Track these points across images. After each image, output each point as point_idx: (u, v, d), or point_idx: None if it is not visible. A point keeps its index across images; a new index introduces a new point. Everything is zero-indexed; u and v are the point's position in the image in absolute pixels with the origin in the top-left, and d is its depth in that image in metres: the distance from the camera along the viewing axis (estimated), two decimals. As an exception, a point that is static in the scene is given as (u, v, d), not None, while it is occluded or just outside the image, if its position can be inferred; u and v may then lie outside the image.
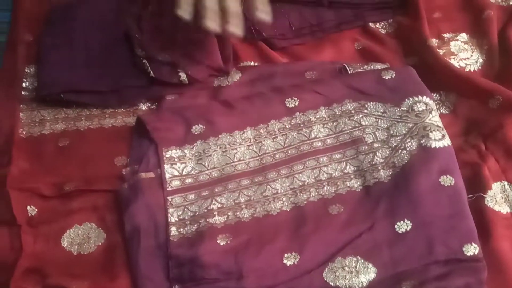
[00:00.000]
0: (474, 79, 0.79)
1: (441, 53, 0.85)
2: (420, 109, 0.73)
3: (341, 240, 0.64)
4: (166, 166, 0.71)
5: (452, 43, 0.87)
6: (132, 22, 0.87)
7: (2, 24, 0.95)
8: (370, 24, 0.91)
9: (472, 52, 0.86)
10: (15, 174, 0.74)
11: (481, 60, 0.85)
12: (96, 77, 0.83)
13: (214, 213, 0.67)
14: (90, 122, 0.82)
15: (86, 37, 0.88)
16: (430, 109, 0.73)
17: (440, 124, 0.72)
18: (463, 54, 0.86)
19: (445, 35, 0.89)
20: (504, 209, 0.67)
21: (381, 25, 0.92)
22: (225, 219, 0.67)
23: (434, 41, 0.87)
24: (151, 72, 0.80)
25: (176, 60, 0.80)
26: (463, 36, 0.88)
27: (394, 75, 0.77)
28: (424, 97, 0.74)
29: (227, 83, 0.83)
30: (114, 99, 0.83)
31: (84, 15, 0.91)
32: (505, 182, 0.69)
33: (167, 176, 0.71)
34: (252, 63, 0.86)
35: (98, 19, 0.91)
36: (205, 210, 0.67)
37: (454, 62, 0.84)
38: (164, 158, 0.72)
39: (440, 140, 0.69)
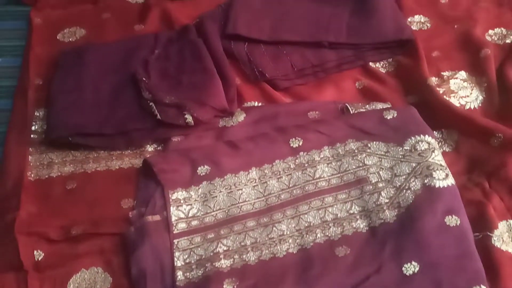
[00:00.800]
0: (474, 118, 0.81)
1: (441, 92, 0.87)
2: (423, 148, 0.74)
3: (349, 283, 0.63)
4: (172, 209, 0.72)
5: (452, 81, 0.89)
6: (140, 66, 0.90)
7: (13, 68, 0.98)
8: (370, 63, 0.93)
9: (472, 90, 0.87)
10: (23, 218, 0.74)
11: (481, 98, 0.87)
12: (104, 120, 0.85)
13: (220, 256, 0.67)
14: (98, 164, 0.83)
15: (95, 81, 0.91)
16: (432, 148, 0.74)
17: (443, 163, 0.73)
18: (463, 92, 0.87)
19: (444, 74, 0.91)
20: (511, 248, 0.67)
21: (381, 64, 0.94)
22: (231, 262, 0.67)
23: (434, 80, 0.89)
24: (158, 114, 0.82)
25: (182, 102, 0.82)
26: (462, 74, 0.90)
27: (396, 114, 0.79)
28: (427, 136, 0.75)
29: (232, 123, 0.85)
30: (122, 142, 0.84)
31: (93, 59, 0.94)
32: (511, 221, 0.69)
33: (173, 218, 0.71)
34: (256, 104, 0.89)
35: (106, 63, 0.94)
36: (211, 254, 0.67)
37: (454, 100, 0.86)
38: (170, 200, 0.73)
39: (444, 179, 0.70)
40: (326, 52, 0.93)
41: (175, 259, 0.67)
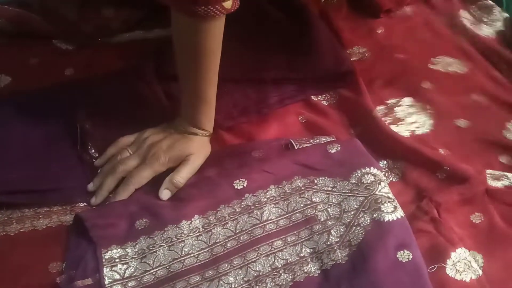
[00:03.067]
0: (421, 150, 0.79)
1: (388, 121, 0.86)
2: (369, 181, 0.72)
3: (304, 336, 0.58)
4: (106, 270, 0.65)
5: (397, 108, 0.89)
6: (82, 114, 0.83)
7: None
8: (313, 97, 0.92)
9: (419, 115, 0.87)
10: None
11: (430, 121, 0.86)
12: (35, 176, 0.77)
13: (162, 320, 0.60)
14: (22, 225, 0.74)
15: (24, 131, 0.83)
16: (379, 180, 0.72)
17: (391, 195, 0.71)
18: (410, 118, 0.87)
19: (388, 102, 0.91)
20: (466, 277, 0.65)
21: (323, 97, 0.93)
22: (174, 326, 0.60)
23: (380, 109, 0.89)
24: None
25: None
26: (406, 100, 0.90)
27: (340, 148, 0.77)
28: (372, 168, 0.74)
29: (172, 169, 0.80)
30: (54, 198, 0.76)
31: (22, 108, 0.87)
32: (463, 249, 0.67)
33: (107, 281, 0.64)
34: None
35: (38, 112, 0.87)
36: (151, 319, 0.61)
37: (403, 127, 0.85)
38: (104, 260, 0.66)
39: (392, 212, 0.68)
40: (268, 88, 0.91)
41: (110, 328, 0.60)
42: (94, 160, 0.79)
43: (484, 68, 0.99)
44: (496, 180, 0.77)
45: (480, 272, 0.65)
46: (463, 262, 0.66)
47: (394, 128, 0.85)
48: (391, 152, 0.81)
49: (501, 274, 0.67)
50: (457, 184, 0.74)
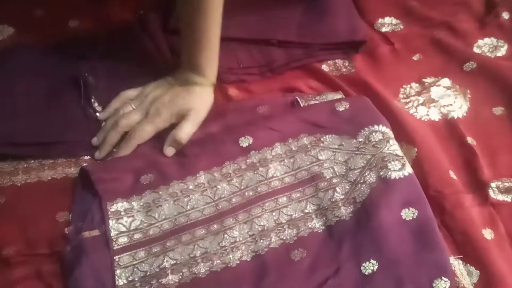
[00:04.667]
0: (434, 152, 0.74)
1: (421, 101, 0.81)
2: (377, 139, 0.71)
3: (307, 288, 0.59)
4: (112, 222, 0.65)
5: (433, 88, 0.83)
6: (86, 67, 0.82)
7: None
8: (323, 67, 0.87)
9: (456, 98, 0.82)
10: None
11: (465, 107, 0.82)
12: (40, 129, 0.77)
13: (167, 271, 0.61)
14: (28, 175, 0.74)
15: (28, 84, 0.82)
16: (387, 138, 0.71)
17: (399, 152, 0.70)
18: (445, 101, 0.82)
19: (425, 80, 0.85)
20: None
21: (335, 67, 0.88)
22: (180, 277, 0.61)
23: (414, 86, 0.84)
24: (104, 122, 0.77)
25: None
26: (446, 81, 0.85)
27: (348, 105, 0.75)
28: (380, 126, 0.72)
29: (176, 125, 0.79)
30: (58, 151, 0.76)
31: (26, 60, 0.85)
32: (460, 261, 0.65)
33: (113, 233, 0.64)
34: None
35: (42, 64, 0.85)
36: (157, 269, 0.62)
37: (435, 110, 0.80)
38: (109, 212, 0.66)
39: (400, 170, 0.67)
40: (274, 51, 0.87)
41: (117, 277, 0.61)
42: (97, 114, 0.79)
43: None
44: (506, 193, 0.71)
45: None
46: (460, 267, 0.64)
47: (422, 109, 0.80)
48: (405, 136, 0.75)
49: None
50: (468, 192, 0.71)
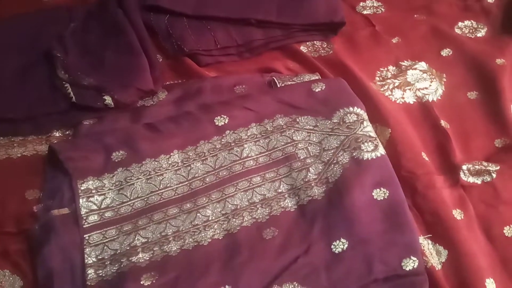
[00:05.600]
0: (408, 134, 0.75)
1: (397, 83, 0.82)
2: (351, 120, 0.71)
3: (277, 267, 0.59)
4: (82, 200, 0.64)
5: (410, 71, 0.84)
6: (55, 41, 0.79)
7: None
8: (302, 48, 0.87)
9: (431, 82, 0.83)
10: None
11: (440, 91, 0.82)
12: (9, 104, 0.75)
13: (138, 250, 0.61)
14: (-3, 153, 0.73)
15: None
16: (361, 119, 0.71)
17: (373, 133, 0.70)
18: (421, 84, 0.82)
19: (403, 63, 0.86)
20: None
21: (312, 48, 0.88)
22: (151, 255, 0.61)
23: (391, 69, 0.84)
24: (73, 97, 0.74)
25: (103, 84, 0.74)
26: (423, 65, 0.85)
27: (324, 87, 0.75)
28: (355, 107, 0.72)
29: (151, 102, 0.78)
30: (28, 127, 0.75)
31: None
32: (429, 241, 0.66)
33: (83, 211, 0.63)
34: (179, 81, 0.82)
35: (12, 40, 0.83)
36: (128, 248, 0.61)
37: (410, 93, 0.81)
38: (80, 191, 0.65)
39: (372, 151, 0.68)
40: (253, 31, 0.86)
41: (86, 255, 0.60)
42: (64, 84, 0.75)
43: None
44: (476, 175, 0.73)
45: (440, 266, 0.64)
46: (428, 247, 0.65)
47: (398, 92, 0.81)
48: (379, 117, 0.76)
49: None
50: (441, 174, 0.72)
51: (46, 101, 0.76)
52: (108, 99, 0.74)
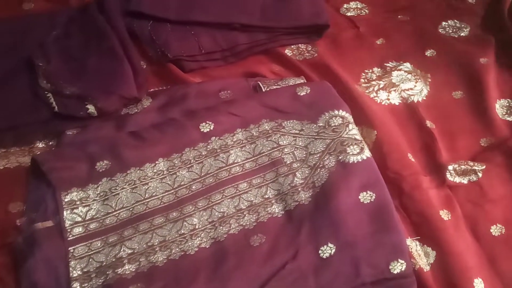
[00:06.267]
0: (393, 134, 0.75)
1: (382, 85, 0.82)
2: (337, 123, 0.71)
3: (265, 273, 0.59)
4: (66, 212, 0.63)
5: (394, 73, 0.84)
6: (37, 49, 0.78)
7: None
8: (286, 51, 0.86)
9: (416, 82, 0.83)
10: None
11: (425, 91, 0.83)
12: None
13: (124, 261, 0.60)
14: (-21, 165, 0.71)
15: None
16: (347, 122, 0.71)
17: (358, 136, 0.70)
18: (406, 85, 0.82)
19: (387, 64, 0.86)
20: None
21: (297, 51, 0.87)
22: (137, 266, 0.60)
23: (376, 71, 0.84)
24: (56, 106, 0.72)
25: (85, 92, 0.73)
26: (407, 65, 0.85)
27: (309, 90, 0.75)
28: (340, 110, 0.72)
29: (136, 110, 0.77)
30: (9, 138, 0.73)
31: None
32: (417, 242, 0.67)
33: (67, 223, 0.62)
34: (163, 87, 0.81)
35: None
36: (113, 259, 0.60)
37: (395, 94, 0.81)
38: (64, 202, 0.64)
39: (358, 154, 0.67)
40: (237, 35, 0.86)
41: (71, 268, 0.59)
42: (47, 94, 0.74)
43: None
44: (462, 175, 0.73)
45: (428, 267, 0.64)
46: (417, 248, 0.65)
47: (383, 94, 0.81)
48: (365, 119, 0.76)
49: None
50: (426, 174, 0.73)
51: (28, 110, 0.74)
52: (91, 108, 0.73)
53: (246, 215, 0.65)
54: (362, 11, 0.96)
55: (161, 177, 0.68)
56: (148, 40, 0.84)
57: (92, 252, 0.61)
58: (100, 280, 0.58)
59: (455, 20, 0.95)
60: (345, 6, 0.97)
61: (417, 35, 0.92)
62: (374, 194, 0.64)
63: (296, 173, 0.67)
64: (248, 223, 0.64)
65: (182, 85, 0.80)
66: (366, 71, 0.86)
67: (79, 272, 0.59)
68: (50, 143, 0.74)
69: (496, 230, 0.69)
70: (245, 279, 0.59)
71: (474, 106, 0.83)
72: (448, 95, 0.85)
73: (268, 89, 0.77)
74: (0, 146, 0.73)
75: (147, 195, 0.66)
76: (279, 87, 0.77)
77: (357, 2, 0.97)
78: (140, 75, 0.79)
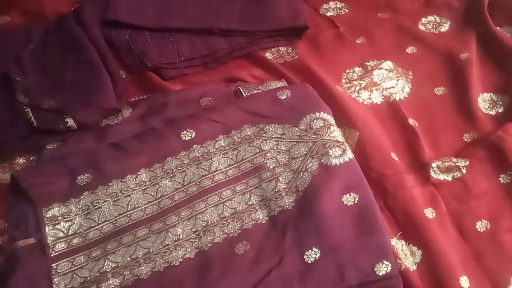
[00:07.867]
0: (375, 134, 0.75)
1: (363, 85, 0.81)
2: (318, 126, 0.70)
3: (251, 281, 0.59)
4: (48, 228, 0.62)
5: (376, 72, 0.84)
6: (13, 63, 0.77)
7: None
8: (267, 54, 0.86)
9: (398, 80, 0.83)
10: None
11: (407, 89, 0.82)
12: None
13: (108, 275, 0.59)
14: (-43, 183, 0.70)
15: None
16: (328, 124, 0.71)
17: (340, 138, 0.70)
18: (388, 83, 0.82)
19: (368, 64, 0.86)
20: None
21: (277, 54, 0.87)
22: (121, 280, 0.59)
23: (357, 70, 0.84)
24: (34, 121, 0.71)
25: (64, 105, 0.72)
26: (388, 64, 0.85)
27: (289, 94, 0.74)
28: (322, 113, 0.72)
29: (116, 121, 0.76)
30: None
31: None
32: (403, 241, 0.67)
33: (50, 239, 0.62)
34: (143, 97, 0.80)
35: None
36: (97, 274, 0.60)
37: (377, 93, 0.81)
38: (45, 218, 0.63)
39: (340, 156, 0.67)
40: (216, 40, 0.85)
41: (54, 286, 0.59)
42: (25, 109, 0.73)
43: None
44: (446, 172, 0.73)
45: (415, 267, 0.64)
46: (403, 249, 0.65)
47: (365, 93, 0.81)
48: (347, 120, 0.76)
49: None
50: (410, 173, 0.72)
51: (6, 126, 0.73)
52: (70, 121, 0.72)
53: (230, 222, 0.64)
54: (342, 10, 0.96)
55: (143, 188, 0.67)
56: (127, 49, 0.83)
57: (76, 268, 0.60)
58: (84, 296, 0.58)
59: (435, 16, 0.95)
60: (324, 6, 0.97)
61: (397, 33, 0.92)
62: (358, 196, 0.64)
63: (279, 177, 0.67)
64: (232, 231, 0.63)
65: (162, 93, 0.79)
66: (347, 71, 0.85)
67: (62, 289, 0.59)
68: (31, 158, 0.73)
69: (481, 226, 0.69)
70: (230, 287, 0.58)
71: (457, 101, 0.83)
72: (430, 92, 0.85)
73: (249, 94, 0.76)
74: (-20, 164, 0.72)
75: (129, 207, 0.65)
76: (260, 91, 0.77)
77: (336, 1, 0.97)
78: (120, 85, 0.78)
